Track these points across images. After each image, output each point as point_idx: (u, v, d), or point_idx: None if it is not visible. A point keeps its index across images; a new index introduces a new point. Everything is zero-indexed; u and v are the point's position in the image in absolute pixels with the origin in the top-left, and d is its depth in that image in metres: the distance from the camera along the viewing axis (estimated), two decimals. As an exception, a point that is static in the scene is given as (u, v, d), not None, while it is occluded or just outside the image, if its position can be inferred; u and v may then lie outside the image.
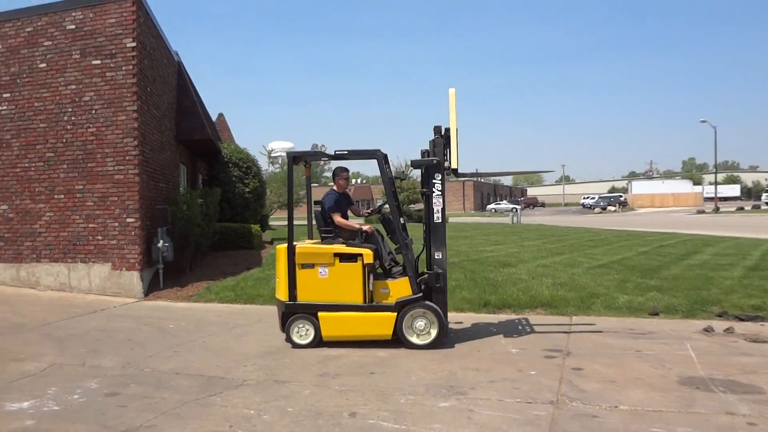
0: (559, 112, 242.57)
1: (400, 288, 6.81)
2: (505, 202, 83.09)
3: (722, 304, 8.50)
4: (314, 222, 7.64)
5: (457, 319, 8.27)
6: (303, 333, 6.88)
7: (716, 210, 55.32)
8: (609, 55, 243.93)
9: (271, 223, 36.38)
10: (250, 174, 19.01)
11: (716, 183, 67.30)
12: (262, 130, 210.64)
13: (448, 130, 7.03)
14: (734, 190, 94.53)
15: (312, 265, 6.81)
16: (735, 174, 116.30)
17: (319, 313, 6.79)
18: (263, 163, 55.00)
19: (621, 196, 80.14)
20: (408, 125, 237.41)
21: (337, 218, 7.29)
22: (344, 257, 6.78)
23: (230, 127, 29.88)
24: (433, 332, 6.72)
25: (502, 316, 8.49)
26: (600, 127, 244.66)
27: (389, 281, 6.90)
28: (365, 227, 7.29)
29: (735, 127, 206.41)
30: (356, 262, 6.74)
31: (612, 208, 68.37)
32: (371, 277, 6.82)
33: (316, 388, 5.42)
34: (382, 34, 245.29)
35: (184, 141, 14.79)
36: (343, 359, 6.36)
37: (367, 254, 6.76)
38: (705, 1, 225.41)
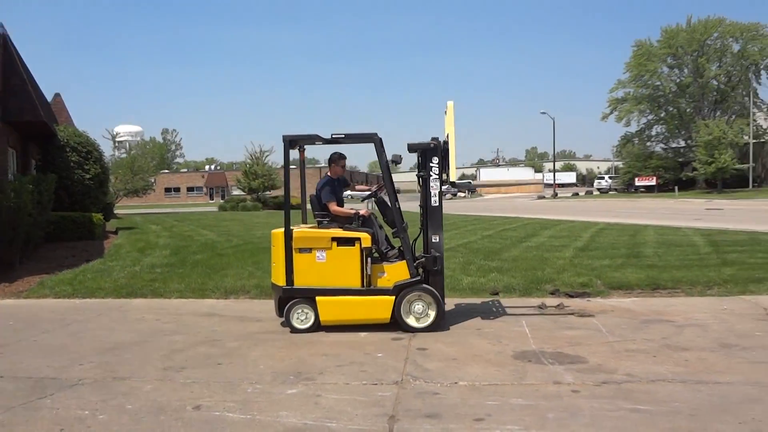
0: (410, 100, 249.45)
1: (397, 271, 6.85)
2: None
3: (555, 282, 9.19)
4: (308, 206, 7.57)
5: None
6: (303, 318, 6.87)
7: (555, 196, 59.68)
8: (462, 47, 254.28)
9: (117, 211, 34.35)
10: (90, 159, 17.84)
11: (555, 171, 72.47)
12: (112, 113, 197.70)
13: (437, 139, 7.01)
14: (571, 177, 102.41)
15: (309, 250, 6.80)
16: (571, 162, 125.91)
17: (317, 298, 6.78)
18: (107, 148, 51.89)
19: (470, 183, 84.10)
20: (263, 113, 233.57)
21: (333, 207, 7.25)
22: (342, 241, 6.79)
23: (70, 109, 27.78)
24: (432, 315, 6.77)
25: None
26: (459, 116, 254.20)
27: (386, 265, 6.92)
28: (361, 211, 7.22)
29: (571, 119, 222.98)
30: (354, 246, 6.76)
31: (462, 194, 71.55)
32: (369, 260, 6.81)
33: (159, 382, 5.21)
34: (243, 17, 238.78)
35: (12, 122, 13.55)
36: (189, 351, 6.17)
37: (365, 238, 6.78)
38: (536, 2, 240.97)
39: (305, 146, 7.32)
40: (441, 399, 4.68)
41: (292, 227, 6.90)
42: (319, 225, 7.20)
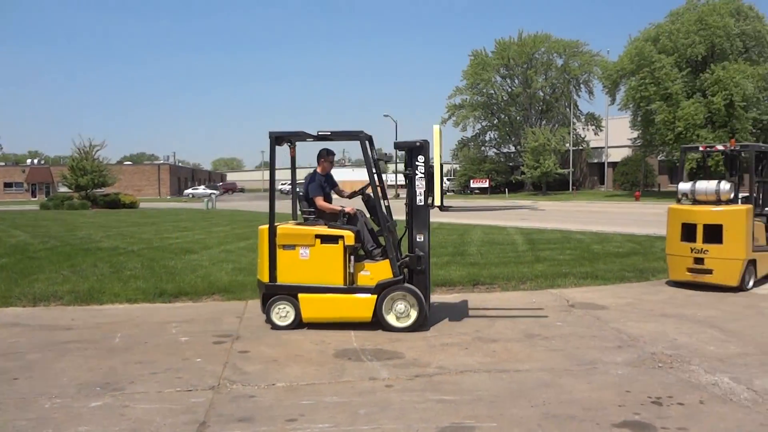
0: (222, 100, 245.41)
1: (380, 270, 6.74)
2: (202, 187, 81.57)
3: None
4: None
5: (131, 311, 7.87)
6: (283, 314, 6.82)
7: (397, 196, 61.37)
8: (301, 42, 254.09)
9: None
10: None
11: (396, 172, 74.31)
12: None
13: (425, 140, 6.86)
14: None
15: (293, 246, 6.73)
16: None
17: (300, 295, 6.73)
18: None
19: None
20: (89, 101, 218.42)
21: (319, 202, 7.19)
22: (325, 239, 6.71)
23: None
24: (413, 315, 6.69)
25: (179, 305, 8.30)
26: (302, 118, 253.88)
27: (369, 263, 6.83)
28: (347, 208, 7.12)
29: (413, 122, 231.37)
30: (337, 243, 6.67)
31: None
32: (352, 259, 6.72)
33: (-60, 402, 4.67)
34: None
35: None
36: (-18, 366, 5.60)
37: (348, 236, 6.67)
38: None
39: (295, 142, 7.27)
40: (256, 402, 4.63)
41: (277, 224, 6.82)
42: (306, 221, 7.13)
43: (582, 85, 63.63)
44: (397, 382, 5.04)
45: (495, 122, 67.54)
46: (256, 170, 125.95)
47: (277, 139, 7.01)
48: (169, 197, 76.19)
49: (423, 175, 6.84)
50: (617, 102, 49.42)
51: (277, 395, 4.77)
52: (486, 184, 63.24)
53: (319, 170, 7.46)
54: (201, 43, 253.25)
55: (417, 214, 6.91)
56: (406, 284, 6.77)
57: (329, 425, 4.16)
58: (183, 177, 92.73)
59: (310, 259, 6.73)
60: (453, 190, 71.46)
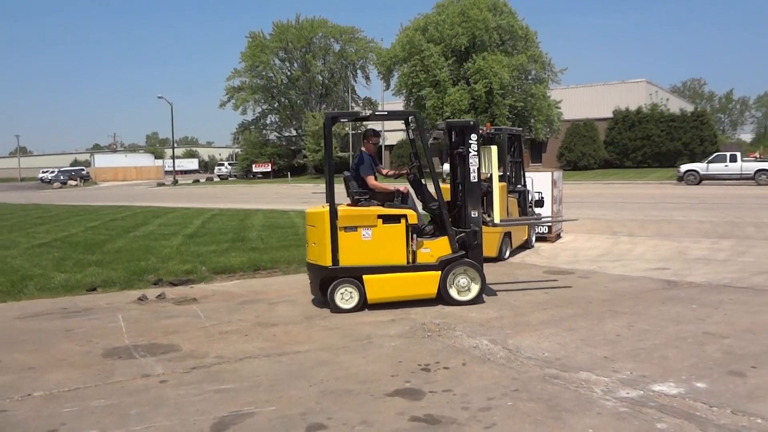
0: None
1: (440, 247, 6.84)
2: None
3: (159, 272, 8.96)
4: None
5: None
6: (347, 297, 6.74)
7: (175, 183, 58.76)
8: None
9: None
10: None
11: (174, 157, 71.29)
12: None
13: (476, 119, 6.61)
14: (193, 164, 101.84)
15: (355, 228, 6.69)
16: (194, 149, 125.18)
17: (364, 276, 6.68)
18: None
19: (83, 170, 77.48)
20: None
21: (372, 181, 7.18)
22: (388, 218, 6.75)
23: None
24: (475, 288, 6.88)
25: None
26: (60, 96, 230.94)
27: (429, 241, 6.89)
28: (401, 188, 7.14)
29: (193, 105, 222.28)
30: (400, 222, 6.75)
31: (73, 183, 65.56)
32: (414, 237, 6.77)
33: None
34: None
35: None
36: None
37: (411, 215, 6.80)
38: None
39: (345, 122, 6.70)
40: (7, 417, 4.13)
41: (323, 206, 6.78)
42: (356, 203, 7.04)
43: (359, 71, 65.78)
44: (173, 377, 4.82)
45: (276, 105, 67.27)
46: (10, 157, 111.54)
47: (332, 119, 7.03)
48: None
49: (476, 153, 6.95)
50: (392, 87, 51.88)
51: (35, 406, 4.30)
52: (269, 168, 62.96)
53: (364, 149, 7.43)
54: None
55: (470, 191, 7.01)
56: (466, 259, 6.89)
57: (96, 431, 3.85)
58: None
59: (373, 240, 6.74)
60: (235, 175, 70.14)
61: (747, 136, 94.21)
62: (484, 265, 6.89)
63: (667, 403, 4.06)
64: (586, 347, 5.28)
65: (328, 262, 6.74)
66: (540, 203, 11.53)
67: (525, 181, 11.12)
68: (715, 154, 35.02)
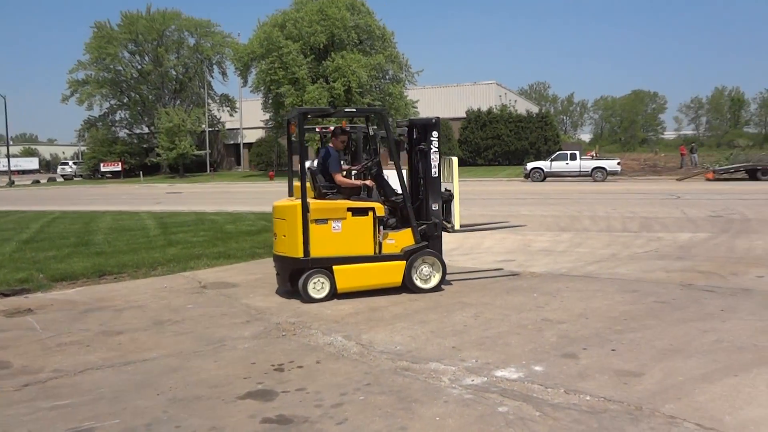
0: None
1: (404, 238, 7.23)
2: None
3: (-12, 281, 8.18)
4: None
5: None
6: (319, 287, 6.97)
7: (11, 184, 53.90)
8: None
9: None
10: None
11: (9, 156, 65.33)
12: None
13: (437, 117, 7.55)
14: (33, 163, 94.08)
15: (325, 221, 6.93)
16: (33, 147, 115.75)
17: (334, 267, 6.93)
18: None
19: None
20: None
21: (339, 177, 7.36)
22: (357, 211, 7.03)
23: None
24: (437, 276, 7.35)
25: None
26: None
27: (393, 232, 7.23)
28: (367, 182, 7.51)
29: (29, 98, 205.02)
30: (368, 215, 7.04)
31: None
32: (381, 229, 7.10)
33: None
34: None
35: None
36: None
37: (379, 207, 7.12)
38: None
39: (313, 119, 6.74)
40: None
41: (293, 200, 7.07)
42: (324, 197, 7.21)
43: (215, 66, 63.86)
44: (2, 396, 4.42)
45: (125, 101, 63.70)
46: None
47: (303, 114, 7.22)
48: None
49: (437, 150, 7.41)
50: (249, 84, 50.94)
51: None
52: (119, 168, 59.52)
53: (332, 146, 7.62)
54: None
55: (432, 185, 7.44)
56: (428, 249, 7.29)
57: None
58: None
59: (343, 232, 7.00)
60: (81, 175, 65.67)
61: (586, 136, 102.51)
62: None
63: (508, 387, 4.30)
64: (436, 338, 5.48)
65: (300, 254, 6.96)
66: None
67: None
68: (558, 152, 37.74)
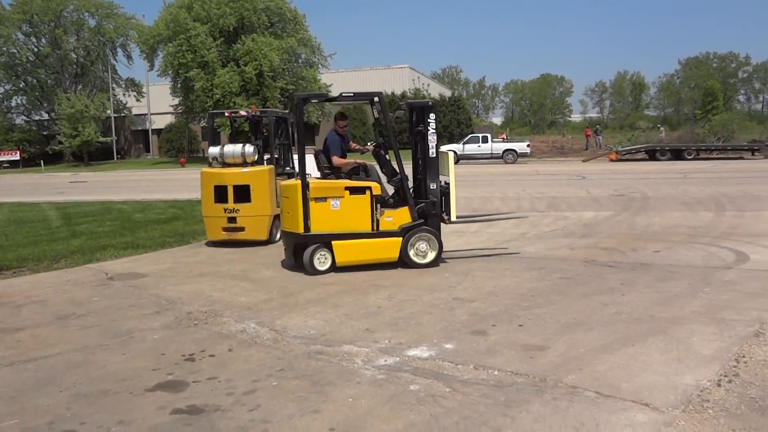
0: None
1: (401, 216, 7.55)
2: None
3: None
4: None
5: None
6: (323, 260, 7.43)
7: None
8: None
9: None
10: None
11: None
12: None
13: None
14: None
15: (324, 199, 7.38)
16: None
17: (333, 242, 7.38)
18: None
19: None
20: None
21: (335, 159, 7.85)
22: (354, 190, 7.43)
23: None
24: (432, 253, 7.62)
25: None
26: None
27: (391, 210, 7.57)
28: (360, 162, 7.92)
29: None
30: (365, 194, 7.43)
31: None
32: (378, 206, 7.48)
33: None
34: None
35: None
36: None
37: (375, 187, 7.51)
38: None
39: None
40: None
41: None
42: (326, 176, 7.67)
43: (119, 49, 61.14)
44: None
45: (21, 86, 60.10)
46: None
47: (303, 100, 7.90)
48: None
49: (434, 131, 7.63)
50: (156, 68, 49.08)
51: None
52: (17, 157, 56.21)
53: (335, 130, 8.09)
54: None
55: (429, 166, 7.66)
56: (425, 227, 7.55)
57: None
58: None
59: (341, 209, 7.41)
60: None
61: (497, 120, 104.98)
62: (255, 248, 7.09)
63: (420, 365, 4.39)
64: (350, 321, 5.51)
65: (300, 230, 7.43)
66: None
67: (293, 164, 11.24)
68: (470, 135, 38.56)
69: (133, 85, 60.37)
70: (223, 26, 45.12)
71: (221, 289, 6.96)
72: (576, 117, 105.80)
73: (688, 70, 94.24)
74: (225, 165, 9.89)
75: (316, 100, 8.39)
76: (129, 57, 61.40)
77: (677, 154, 33.33)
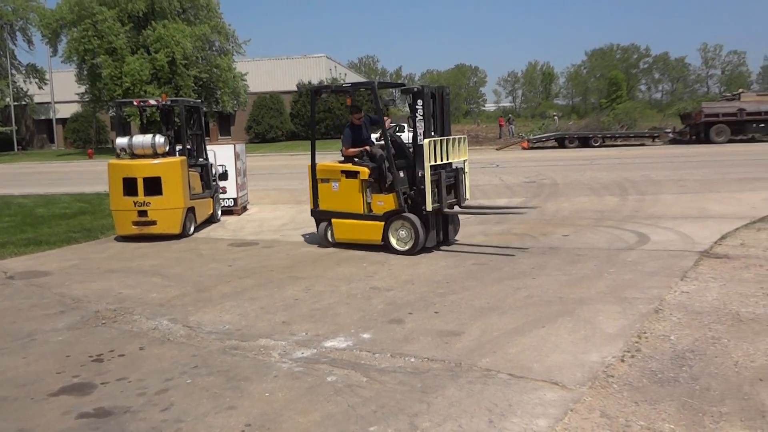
0: None
1: (389, 201, 7.79)
2: None
3: None
4: None
5: None
6: (331, 234, 8.30)
7: None
8: None
9: None
10: None
11: None
12: None
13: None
14: None
15: (327, 180, 8.22)
16: None
17: (333, 220, 8.21)
18: None
19: None
20: None
21: (344, 150, 8.38)
22: (348, 174, 8.09)
23: None
24: (411, 241, 7.62)
25: None
26: None
27: (383, 195, 7.87)
28: (366, 147, 8.28)
29: None
30: (356, 178, 8.00)
31: None
32: (369, 190, 7.95)
33: None
34: None
35: None
36: None
37: (364, 171, 7.95)
38: None
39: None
40: None
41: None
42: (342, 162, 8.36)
43: (18, 33, 57.71)
44: None
45: None
46: None
47: (315, 92, 9.07)
48: None
49: (421, 118, 7.63)
50: (60, 54, 46.58)
51: None
52: None
53: (353, 121, 8.56)
54: None
55: (418, 153, 7.64)
56: (405, 214, 7.63)
57: None
58: None
59: (340, 191, 8.09)
60: None
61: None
62: (168, 242, 6.81)
63: (338, 356, 4.39)
64: (266, 315, 5.44)
65: (312, 206, 8.45)
66: (224, 176, 11.54)
67: (207, 155, 10.96)
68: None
69: (35, 72, 57.04)
70: (131, 11, 43.33)
71: (132, 285, 6.71)
72: (490, 106, 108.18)
73: (593, 61, 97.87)
74: (134, 156, 9.50)
75: (327, 93, 9.61)
76: (30, 42, 58.19)
77: (584, 142, 34.67)
